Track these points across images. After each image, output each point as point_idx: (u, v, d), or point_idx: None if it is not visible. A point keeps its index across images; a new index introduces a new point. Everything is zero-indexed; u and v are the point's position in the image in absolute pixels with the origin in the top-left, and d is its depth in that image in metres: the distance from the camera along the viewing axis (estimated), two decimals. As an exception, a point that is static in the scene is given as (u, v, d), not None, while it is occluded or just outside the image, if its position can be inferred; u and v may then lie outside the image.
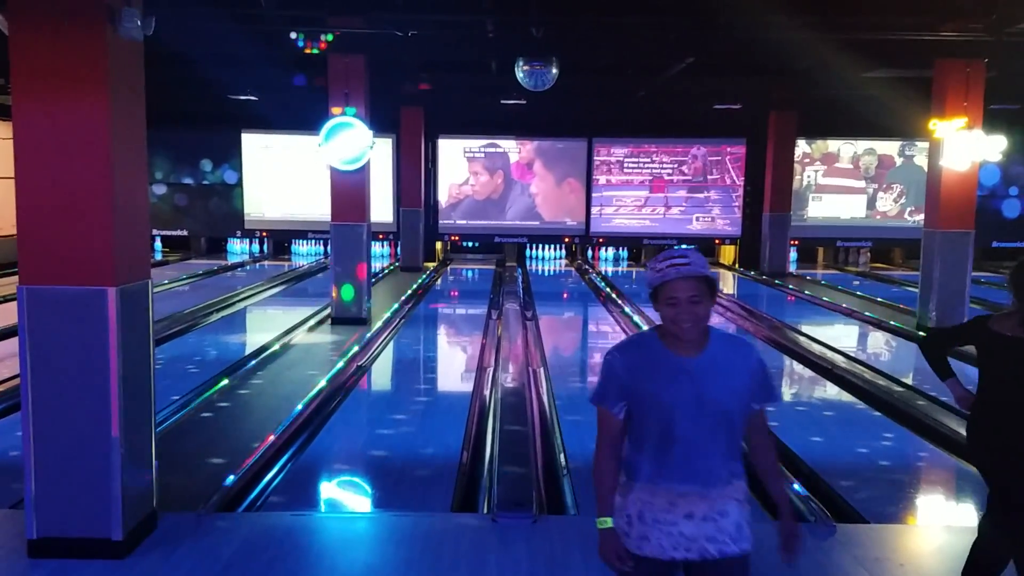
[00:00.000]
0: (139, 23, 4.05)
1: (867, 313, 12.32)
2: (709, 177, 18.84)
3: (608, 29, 9.81)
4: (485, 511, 5.01)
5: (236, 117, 17.64)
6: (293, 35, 9.57)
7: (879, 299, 13.66)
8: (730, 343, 2.62)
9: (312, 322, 11.15)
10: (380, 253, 18.86)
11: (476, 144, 18.89)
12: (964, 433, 6.42)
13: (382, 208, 17.91)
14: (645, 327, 10.70)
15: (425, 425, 6.93)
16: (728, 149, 18.79)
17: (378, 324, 10.85)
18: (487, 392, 7.68)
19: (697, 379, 2.51)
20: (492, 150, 18.92)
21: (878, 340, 11.17)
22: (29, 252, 4.06)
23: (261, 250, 19.89)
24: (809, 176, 18.94)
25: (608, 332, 11.60)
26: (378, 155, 14.07)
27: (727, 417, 2.53)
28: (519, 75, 10.36)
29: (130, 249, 4.21)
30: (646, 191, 18.90)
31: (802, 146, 18.54)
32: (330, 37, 9.73)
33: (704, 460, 2.53)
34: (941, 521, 5.29)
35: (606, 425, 2.63)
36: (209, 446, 6.22)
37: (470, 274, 17.78)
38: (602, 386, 2.62)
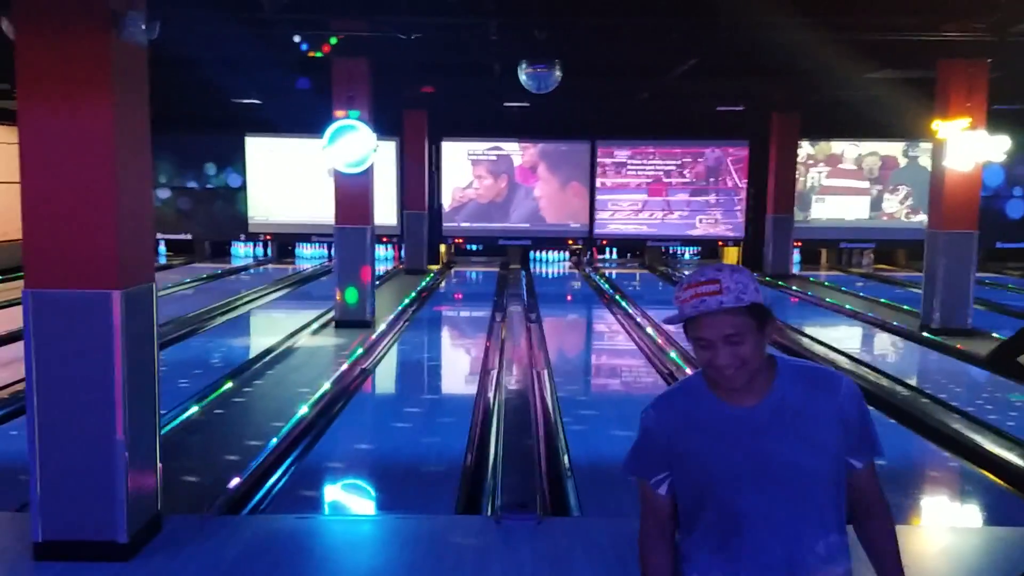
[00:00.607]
0: (143, 28, 4.07)
1: (871, 314, 12.31)
2: (713, 179, 18.81)
3: (611, 31, 9.82)
4: (489, 513, 5.02)
5: (240, 121, 17.64)
6: (297, 39, 9.58)
7: (882, 300, 13.64)
8: (807, 379, 1.96)
9: (316, 325, 11.15)
10: (384, 256, 18.87)
11: (480, 147, 18.90)
12: (968, 434, 6.47)
13: (386, 211, 17.90)
14: (649, 329, 10.70)
15: (429, 427, 6.94)
16: (731, 151, 18.78)
17: (382, 327, 10.85)
18: (491, 394, 7.68)
19: (757, 434, 1.90)
20: (496, 153, 18.92)
21: (882, 341, 11.15)
22: (34, 256, 4.08)
23: (265, 253, 19.91)
24: (812, 177, 18.92)
25: (611, 334, 11.60)
26: (382, 158, 14.08)
27: (812, 480, 1.90)
28: (522, 78, 10.35)
29: (134, 253, 4.23)
30: (648, 194, 18.88)
31: (805, 147, 18.52)
32: (334, 40, 9.74)
33: (787, 542, 1.91)
34: (945, 522, 5.29)
35: (647, 503, 2.06)
36: (213, 449, 6.23)
37: (474, 276, 17.79)
38: (634, 450, 2.05)
